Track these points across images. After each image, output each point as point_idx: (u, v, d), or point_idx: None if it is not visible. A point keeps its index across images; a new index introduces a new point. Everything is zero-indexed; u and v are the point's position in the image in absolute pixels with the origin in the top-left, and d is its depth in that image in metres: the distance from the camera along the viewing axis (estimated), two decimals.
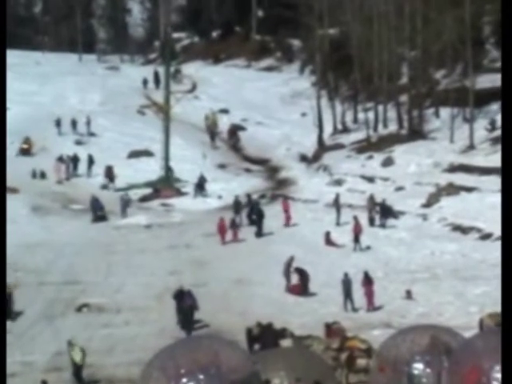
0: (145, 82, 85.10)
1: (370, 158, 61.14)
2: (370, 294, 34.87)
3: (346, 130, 70.01)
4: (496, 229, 43.26)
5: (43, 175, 60.35)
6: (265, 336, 29.13)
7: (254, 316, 31.21)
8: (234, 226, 46.62)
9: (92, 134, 69.70)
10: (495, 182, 49.34)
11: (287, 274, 37.19)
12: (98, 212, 50.00)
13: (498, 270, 37.94)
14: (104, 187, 59.11)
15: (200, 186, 57.18)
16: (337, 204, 48.18)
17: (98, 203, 50.50)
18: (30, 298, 37.08)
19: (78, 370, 28.26)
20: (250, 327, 29.57)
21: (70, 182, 60.15)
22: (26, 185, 57.17)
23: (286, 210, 48.42)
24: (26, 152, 61.24)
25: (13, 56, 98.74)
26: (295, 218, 48.87)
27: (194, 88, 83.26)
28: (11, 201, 52.74)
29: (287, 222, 47.89)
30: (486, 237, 43.15)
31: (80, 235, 48.18)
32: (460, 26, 63.07)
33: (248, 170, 65.14)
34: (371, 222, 46.54)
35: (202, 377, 21.68)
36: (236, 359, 22.86)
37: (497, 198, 47.40)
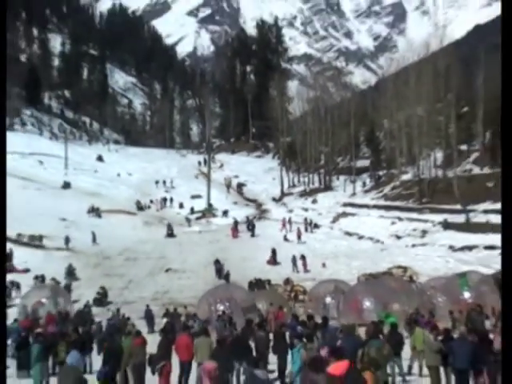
0: (199, 162, 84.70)
1: (306, 199, 61.01)
2: (305, 265, 34.80)
3: (294, 186, 69.72)
4: (366, 233, 43.15)
5: (149, 207, 60.34)
6: (257, 284, 29.29)
7: (251, 275, 31.18)
8: (235, 229, 46.61)
9: (173, 187, 69.55)
10: (366, 211, 49.37)
11: (273, 253, 36.94)
12: (168, 231, 47.78)
13: (368, 253, 38.04)
14: (177, 213, 58.87)
15: (225, 213, 57.10)
16: (290, 221, 47.93)
17: (170, 227, 48.44)
18: (142, 265, 37.14)
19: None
20: (250, 280, 29.59)
21: (162, 210, 59.86)
22: (140, 211, 57.30)
23: (284, 224, 47.24)
24: (140, 208, 58.67)
25: (135, 150, 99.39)
26: (270, 227, 48.65)
27: (221, 165, 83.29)
28: (133, 220, 52.74)
29: (283, 228, 46.50)
30: (361, 238, 43.02)
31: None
32: (348, 137, 63.53)
33: (247, 205, 64.79)
34: (306, 230, 46.28)
35: (227, 304, 21.78)
36: (244, 296, 23.06)
37: (366, 219, 47.39)
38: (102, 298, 28.49)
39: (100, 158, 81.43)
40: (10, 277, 32.02)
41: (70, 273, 33.62)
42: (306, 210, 55.41)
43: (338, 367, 5.52)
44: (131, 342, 12.76)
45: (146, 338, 13.43)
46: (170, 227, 47.87)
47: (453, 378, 11.30)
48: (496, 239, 34.36)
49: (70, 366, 9.28)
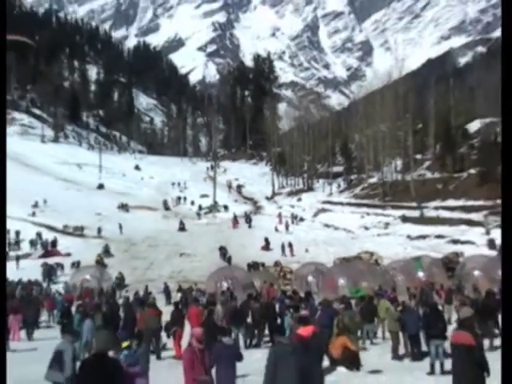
0: (207, 168, 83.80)
1: (292, 198, 60.53)
2: (291, 250, 34.58)
3: (283, 187, 69.41)
4: (341, 225, 42.74)
5: (168, 203, 59.14)
6: (253, 266, 29.12)
7: (248, 258, 30.91)
8: (235, 222, 45.99)
9: (186, 188, 68.79)
10: (341, 208, 49.11)
11: (266, 241, 36.54)
12: (180, 226, 45.54)
13: (342, 241, 37.46)
14: (189, 209, 57.93)
15: (225, 208, 56.56)
16: (279, 215, 47.49)
17: (182, 223, 46.43)
18: (161, 250, 36.77)
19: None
20: (248, 263, 29.28)
21: (177, 207, 58.86)
22: (160, 208, 56.69)
23: (280, 219, 45.78)
24: (167, 208, 56.61)
25: (155, 159, 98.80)
26: (264, 221, 48.03)
27: (225, 171, 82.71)
28: (154, 215, 52.07)
29: (279, 223, 44.58)
30: (337, 229, 42.73)
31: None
32: (326, 148, 63.58)
33: (245, 202, 64.26)
34: (292, 222, 45.85)
35: (230, 281, 21.64)
36: (243, 275, 22.89)
37: (340, 214, 46.95)
38: (120, 283, 28.20)
39: (137, 167, 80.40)
40: (55, 259, 32.08)
41: (107, 251, 33.92)
42: (292, 206, 55.16)
43: (306, 330, 5.75)
44: (147, 312, 12.71)
45: (160, 309, 13.36)
46: (181, 223, 46.95)
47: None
48: (445, 230, 34.74)
49: (103, 330, 9.22)
